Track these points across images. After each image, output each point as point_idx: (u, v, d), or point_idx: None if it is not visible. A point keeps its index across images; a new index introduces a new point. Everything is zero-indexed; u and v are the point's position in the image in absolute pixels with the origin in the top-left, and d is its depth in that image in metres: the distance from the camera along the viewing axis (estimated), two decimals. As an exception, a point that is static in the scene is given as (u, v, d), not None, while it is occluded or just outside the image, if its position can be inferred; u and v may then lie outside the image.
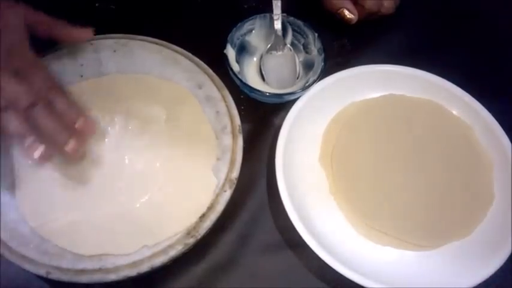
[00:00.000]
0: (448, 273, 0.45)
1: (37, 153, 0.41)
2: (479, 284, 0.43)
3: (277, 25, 0.53)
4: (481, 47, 0.61)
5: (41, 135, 0.41)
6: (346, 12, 0.55)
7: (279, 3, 0.51)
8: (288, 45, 0.54)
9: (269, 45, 0.54)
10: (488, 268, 0.43)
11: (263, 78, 0.54)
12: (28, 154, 0.42)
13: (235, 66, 0.52)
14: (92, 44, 0.51)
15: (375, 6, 0.55)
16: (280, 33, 0.53)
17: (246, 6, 0.60)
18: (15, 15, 0.44)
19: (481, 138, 0.52)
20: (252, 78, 0.54)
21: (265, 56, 0.54)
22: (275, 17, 0.52)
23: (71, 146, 0.42)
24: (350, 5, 0.55)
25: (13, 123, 0.40)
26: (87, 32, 0.48)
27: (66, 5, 0.57)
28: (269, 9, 0.53)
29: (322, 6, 0.57)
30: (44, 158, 0.42)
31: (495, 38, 0.62)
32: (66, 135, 0.42)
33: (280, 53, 0.54)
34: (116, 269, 0.41)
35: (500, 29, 0.62)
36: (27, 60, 0.43)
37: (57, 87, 0.44)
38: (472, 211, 0.48)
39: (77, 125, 0.43)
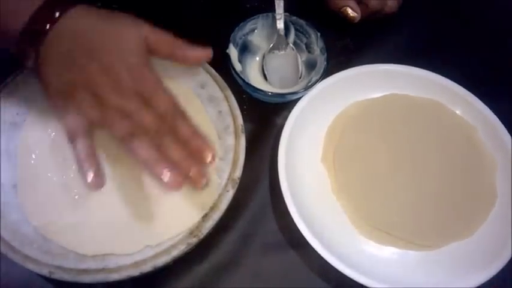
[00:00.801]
0: (450, 274, 0.45)
1: (173, 177, 0.40)
2: (482, 285, 0.43)
3: (280, 25, 0.53)
4: (484, 47, 0.61)
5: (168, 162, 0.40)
6: (350, 11, 0.54)
7: (281, 3, 0.51)
8: (291, 45, 0.54)
9: (271, 45, 0.54)
10: (491, 268, 0.43)
11: (265, 78, 0.54)
12: (159, 179, 0.40)
13: (237, 66, 0.52)
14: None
15: (379, 4, 0.55)
16: (282, 32, 0.53)
17: (248, 6, 0.60)
18: (138, 34, 0.43)
19: (484, 138, 0.52)
20: (254, 78, 0.54)
21: (268, 56, 0.54)
22: (277, 17, 0.52)
23: (195, 174, 0.41)
24: (353, 3, 0.55)
25: (143, 151, 0.40)
26: (207, 53, 0.46)
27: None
28: (271, 9, 0.53)
29: (325, 5, 0.57)
30: (176, 185, 0.40)
31: (499, 37, 0.62)
32: (189, 163, 0.41)
33: (282, 52, 0.54)
34: (119, 268, 0.41)
35: (504, 29, 0.62)
36: (153, 84, 0.42)
37: (181, 111, 0.43)
38: (474, 211, 0.48)
39: (205, 158, 0.42)
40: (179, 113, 0.42)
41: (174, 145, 0.41)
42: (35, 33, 0.40)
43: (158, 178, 0.39)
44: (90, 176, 0.39)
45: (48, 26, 0.40)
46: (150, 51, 0.43)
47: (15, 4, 0.40)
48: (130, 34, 0.42)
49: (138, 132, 0.40)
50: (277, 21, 0.52)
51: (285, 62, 0.54)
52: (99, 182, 0.40)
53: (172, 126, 0.42)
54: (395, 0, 0.56)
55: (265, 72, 0.54)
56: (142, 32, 0.43)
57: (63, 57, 0.41)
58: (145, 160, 0.40)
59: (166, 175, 0.39)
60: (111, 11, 0.43)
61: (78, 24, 0.41)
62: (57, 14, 0.40)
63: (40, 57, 0.41)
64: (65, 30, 0.40)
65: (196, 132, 0.42)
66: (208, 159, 0.42)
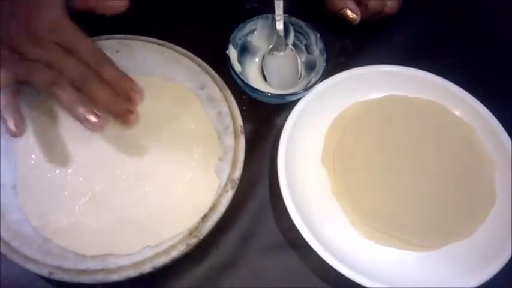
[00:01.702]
0: (450, 274, 0.45)
1: (93, 118, 0.43)
2: (482, 285, 0.43)
3: (279, 26, 0.53)
4: (483, 48, 0.61)
5: (95, 106, 0.43)
6: (349, 12, 0.54)
7: (281, 4, 0.51)
8: (290, 46, 0.54)
9: (271, 46, 0.54)
10: (491, 268, 0.43)
11: (265, 79, 0.54)
12: (84, 122, 0.43)
13: (237, 67, 0.52)
14: (94, 44, 0.51)
15: (379, 6, 0.55)
16: (282, 33, 0.53)
17: (248, 7, 0.60)
18: None
19: (483, 139, 0.52)
20: (254, 79, 0.54)
21: (267, 57, 0.54)
22: (277, 18, 0.52)
23: (129, 114, 0.44)
24: (353, 5, 0.54)
25: (65, 95, 0.42)
26: (121, 2, 0.48)
27: (69, 6, 0.58)
28: (271, 10, 0.53)
29: (324, 6, 0.57)
30: (98, 126, 0.43)
31: (498, 38, 0.62)
32: (121, 103, 0.44)
33: (282, 53, 0.54)
34: (119, 269, 0.41)
35: (503, 30, 0.62)
36: (71, 33, 0.44)
37: (105, 57, 0.45)
38: (474, 212, 0.48)
39: (131, 92, 0.45)
40: (102, 59, 0.44)
41: (98, 87, 0.43)
42: None
43: (82, 120, 0.42)
44: (12, 125, 0.42)
45: None
46: (70, 4, 0.45)
47: None
48: None
49: (61, 81, 0.42)
50: (277, 22, 0.52)
51: (285, 63, 0.54)
52: (18, 131, 0.42)
53: (97, 70, 0.44)
54: (395, 1, 0.56)
55: (265, 73, 0.54)
56: None
57: None
58: (67, 103, 0.42)
59: (88, 118, 0.42)
60: None
61: None
62: None
63: None
64: None
65: (122, 74, 0.45)
66: (137, 96, 0.45)
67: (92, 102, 0.43)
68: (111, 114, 0.45)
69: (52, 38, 0.43)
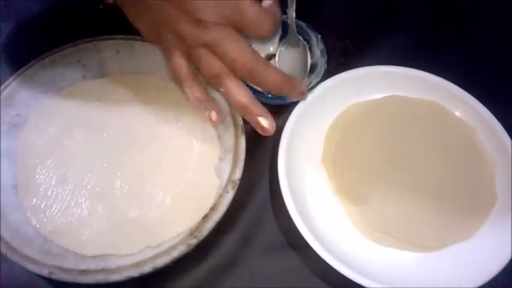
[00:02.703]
0: (450, 275, 0.45)
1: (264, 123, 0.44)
2: (482, 285, 0.43)
3: (291, 21, 0.52)
4: (483, 49, 0.61)
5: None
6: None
7: (294, 2, 0.51)
8: (303, 42, 0.54)
9: (284, 41, 0.53)
10: (491, 269, 0.43)
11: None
12: (255, 125, 0.44)
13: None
14: (95, 44, 0.51)
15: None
16: (294, 29, 0.52)
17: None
18: None
19: (484, 139, 0.52)
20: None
21: (281, 51, 0.53)
22: (288, 15, 0.51)
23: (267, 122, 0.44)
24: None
25: (235, 88, 0.42)
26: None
27: (69, 6, 0.58)
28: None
29: None
30: (267, 130, 0.44)
31: (498, 39, 0.62)
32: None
33: (295, 48, 0.53)
34: (119, 269, 0.41)
35: (503, 30, 0.62)
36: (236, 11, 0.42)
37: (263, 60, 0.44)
38: (474, 212, 0.48)
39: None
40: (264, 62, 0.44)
41: (270, 71, 0.43)
42: None
43: (253, 122, 0.44)
44: (214, 116, 0.43)
45: None
46: None
47: None
48: None
49: (227, 72, 0.41)
50: (288, 19, 0.52)
51: (297, 57, 0.54)
52: (220, 119, 0.44)
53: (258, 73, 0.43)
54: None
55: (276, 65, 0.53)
56: None
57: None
58: (236, 100, 0.42)
59: (263, 121, 0.43)
60: None
61: None
62: None
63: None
64: None
65: (283, 75, 0.45)
66: (302, 94, 0.46)
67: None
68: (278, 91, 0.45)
69: (214, 18, 0.41)
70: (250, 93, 0.44)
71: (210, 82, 0.43)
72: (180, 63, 0.43)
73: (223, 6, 0.41)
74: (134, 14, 0.44)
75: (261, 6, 0.43)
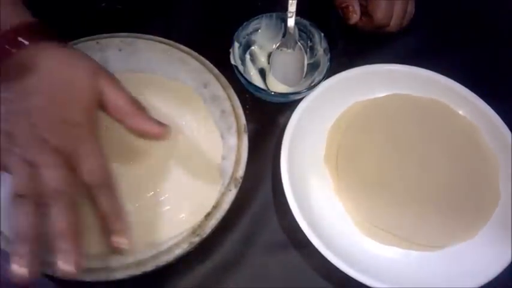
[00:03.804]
0: (452, 274, 0.45)
1: (22, 267, 0.33)
2: (484, 285, 0.43)
3: (291, 23, 0.52)
4: (487, 47, 0.61)
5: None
6: (350, 9, 0.55)
7: (295, 2, 0.51)
8: (299, 44, 0.54)
9: (280, 42, 0.54)
10: (493, 269, 0.43)
11: (264, 79, 0.54)
12: (12, 269, 0.33)
13: (240, 66, 0.52)
14: (98, 42, 0.51)
15: (384, 20, 0.55)
16: (292, 31, 0.53)
17: (259, 4, 0.60)
18: (93, 86, 0.39)
19: (487, 138, 0.51)
20: (257, 78, 0.54)
21: (275, 52, 0.54)
22: (289, 15, 0.52)
23: (66, 257, 0.35)
24: (356, 4, 0.55)
25: (22, 218, 0.34)
26: (160, 130, 0.42)
27: (72, 5, 0.58)
28: (275, 9, 0.53)
29: (333, 2, 0.58)
30: (32, 274, 0.34)
31: (502, 37, 0.62)
32: (69, 245, 0.35)
33: (290, 50, 0.54)
34: (122, 267, 0.41)
35: (507, 29, 0.62)
36: (85, 141, 0.38)
37: (108, 183, 0.39)
38: (477, 212, 0.48)
39: (113, 238, 0.38)
40: (105, 185, 0.38)
41: (61, 216, 0.35)
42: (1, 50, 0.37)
43: (13, 267, 0.33)
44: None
45: (14, 50, 0.38)
46: (102, 108, 0.40)
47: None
48: (83, 84, 0.39)
49: (32, 194, 0.35)
50: (289, 20, 0.52)
51: (292, 60, 0.54)
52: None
53: (94, 194, 0.38)
54: (399, 23, 0.56)
55: (270, 67, 0.54)
56: (99, 86, 0.40)
57: (6, 86, 0.38)
58: (19, 231, 0.34)
59: (16, 265, 0.33)
60: (80, 54, 0.41)
61: (38, 57, 0.38)
62: (22, 40, 0.38)
63: None
64: (21, 59, 0.38)
65: (119, 213, 0.39)
66: (117, 240, 0.38)
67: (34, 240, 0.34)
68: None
69: (53, 141, 0.36)
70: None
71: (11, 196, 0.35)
72: None
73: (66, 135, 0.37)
74: None
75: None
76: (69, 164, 0.36)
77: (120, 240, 0.38)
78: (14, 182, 0.35)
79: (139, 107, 0.42)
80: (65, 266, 0.35)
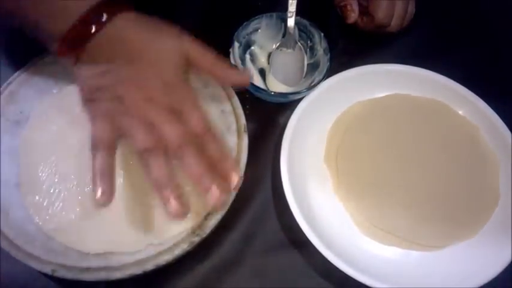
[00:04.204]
0: (452, 274, 0.45)
1: (174, 207, 0.38)
2: (484, 285, 0.43)
3: (290, 23, 0.52)
4: (487, 47, 0.61)
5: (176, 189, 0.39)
6: (348, 8, 0.55)
7: (295, 2, 0.51)
8: (299, 44, 0.54)
9: (279, 42, 0.54)
10: (493, 269, 0.43)
11: (263, 78, 0.54)
12: (165, 204, 0.38)
13: (240, 65, 0.52)
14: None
15: (385, 19, 0.55)
16: (292, 31, 0.53)
17: (259, 4, 0.60)
18: (179, 48, 0.42)
19: (487, 138, 0.51)
20: (257, 77, 0.54)
21: (275, 52, 0.54)
22: (289, 15, 0.52)
23: (214, 194, 0.39)
24: (354, 3, 0.55)
25: (157, 168, 0.38)
26: (245, 78, 0.46)
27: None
28: (275, 9, 0.53)
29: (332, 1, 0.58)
30: (183, 213, 0.39)
31: (501, 37, 0.62)
32: (210, 181, 0.39)
33: (290, 50, 0.54)
34: (121, 267, 0.41)
35: (507, 29, 0.62)
36: (184, 98, 0.41)
37: (212, 131, 0.41)
38: (477, 211, 0.48)
39: (229, 175, 0.41)
40: (210, 132, 0.41)
41: (194, 161, 0.39)
42: (80, 35, 0.40)
43: (164, 201, 0.38)
44: (99, 193, 0.38)
45: (94, 30, 0.39)
46: (191, 66, 0.43)
47: (63, 4, 0.39)
48: (171, 47, 0.42)
49: (159, 147, 0.39)
50: (289, 19, 0.52)
51: (292, 60, 0.54)
52: (105, 199, 0.38)
53: (201, 144, 0.40)
54: (399, 23, 0.56)
55: (270, 67, 0.54)
56: (184, 46, 0.42)
57: (100, 62, 0.40)
58: (156, 180, 0.38)
59: (171, 203, 0.38)
60: (158, 20, 0.43)
61: (122, 31, 0.41)
62: (104, 18, 0.39)
63: (80, 59, 0.41)
64: (108, 36, 0.40)
65: (225, 155, 0.42)
66: (233, 185, 0.41)
67: (176, 186, 0.39)
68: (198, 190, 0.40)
69: (164, 100, 0.40)
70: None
71: (139, 153, 0.39)
72: (106, 128, 0.39)
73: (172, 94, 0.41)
74: (88, 73, 0.41)
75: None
76: (178, 119, 0.40)
77: (232, 179, 0.41)
78: (139, 139, 0.38)
79: (222, 60, 0.44)
80: (219, 197, 0.39)
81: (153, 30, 0.42)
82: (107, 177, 0.39)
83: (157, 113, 0.39)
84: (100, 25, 0.40)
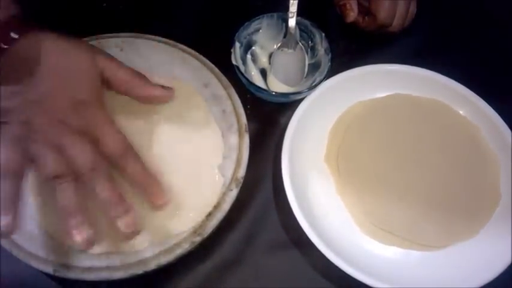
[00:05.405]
0: (453, 274, 0.45)
1: (79, 237, 0.37)
2: (485, 285, 0.43)
3: (292, 23, 0.52)
4: (487, 47, 0.61)
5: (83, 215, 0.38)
6: (347, 7, 0.55)
7: (296, 2, 0.51)
8: (300, 44, 0.54)
9: (280, 43, 0.54)
10: (494, 268, 0.43)
11: (264, 78, 0.55)
12: (71, 234, 0.37)
13: (241, 65, 0.52)
14: (99, 42, 0.51)
15: (387, 19, 0.55)
16: (293, 31, 0.53)
17: (260, 4, 0.60)
18: (94, 66, 0.41)
19: (488, 138, 0.52)
20: (258, 78, 0.55)
21: (276, 52, 0.54)
22: (290, 15, 0.52)
23: (125, 221, 0.39)
24: (354, 3, 0.55)
25: (66, 195, 0.37)
26: (166, 93, 0.46)
27: (74, 5, 0.58)
28: (277, 9, 0.53)
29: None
30: (89, 243, 0.38)
31: (502, 37, 0.62)
32: (122, 208, 0.39)
33: (291, 51, 0.54)
34: (123, 267, 0.41)
35: (507, 29, 0.62)
36: (99, 118, 0.40)
37: (132, 150, 0.41)
38: (478, 211, 0.48)
39: (156, 201, 0.41)
40: (130, 153, 0.41)
41: (106, 185, 0.38)
42: None
43: (69, 229, 0.37)
44: (1, 224, 0.36)
45: (2, 46, 0.37)
46: (106, 85, 0.42)
47: None
48: (84, 66, 0.41)
49: (67, 174, 0.37)
50: (289, 20, 0.52)
51: (293, 61, 0.54)
52: (9, 231, 0.36)
53: (120, 163, 0.40)
54: (401, 23, 0.56)
55: (271, 67, 0.54)
56: (99, 65, 0.41)
57: (10, 82, 0.38)
58: (62, 209, 0.37)
59: (76, 234, 0.37)
60: (72, 39, 0.42)
61: (33, 49, 0.39)
62: (14, 36, 0.38)
63: None
64: (19, 54, 0.38)
65: (147, 174, 0.41)
66: (159, 202, 0.41)
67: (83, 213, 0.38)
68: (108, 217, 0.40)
69: (71, 121, 0.38)
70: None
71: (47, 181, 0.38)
72: (12, 155, 0.37)
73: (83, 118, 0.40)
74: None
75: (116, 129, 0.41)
76: (91, 141, 0.39)
77: (159, 201, 0.41)
78: (46, 166, 0.37)
79: (140, 76, 0.44)
80: (126, 227, 0.39)
81: (66, 49, 0.41)
82: (10, 208, 0.36)
83: (66, 136, 0.38)
84: (9, 42, 0.38)
